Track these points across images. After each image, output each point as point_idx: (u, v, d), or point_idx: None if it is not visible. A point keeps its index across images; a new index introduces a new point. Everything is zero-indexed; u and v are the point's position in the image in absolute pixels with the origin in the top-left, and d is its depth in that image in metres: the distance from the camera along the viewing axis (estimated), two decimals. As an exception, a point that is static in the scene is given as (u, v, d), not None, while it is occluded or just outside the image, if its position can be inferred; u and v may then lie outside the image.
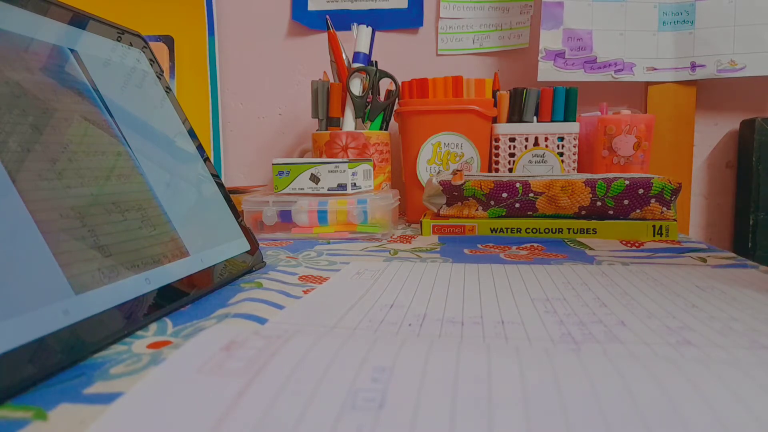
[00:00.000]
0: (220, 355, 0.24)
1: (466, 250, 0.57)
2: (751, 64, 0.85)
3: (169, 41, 0.98)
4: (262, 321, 0.33)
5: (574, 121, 0.79)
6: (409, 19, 0.98)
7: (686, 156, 0.92)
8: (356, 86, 0.80)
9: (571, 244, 0.59)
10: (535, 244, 0.59)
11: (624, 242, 0.60)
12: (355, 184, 0.69)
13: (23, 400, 0.23)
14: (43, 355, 0.25)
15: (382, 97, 0.84)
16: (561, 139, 0.79)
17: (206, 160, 0.48)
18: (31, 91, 0.32)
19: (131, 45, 0.45)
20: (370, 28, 0.83)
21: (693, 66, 0.87)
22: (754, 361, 0.24)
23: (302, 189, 0.68)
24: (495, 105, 0.81)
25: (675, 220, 0.62)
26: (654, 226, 0.62)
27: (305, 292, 0.39)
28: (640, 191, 0.61)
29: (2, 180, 0.27)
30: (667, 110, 0.91)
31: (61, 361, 0.26)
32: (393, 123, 0.84)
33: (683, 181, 0.90)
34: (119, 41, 0.43)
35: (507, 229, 0.65)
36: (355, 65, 0.81)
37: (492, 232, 0.65)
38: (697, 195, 0.97)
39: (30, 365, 0.24)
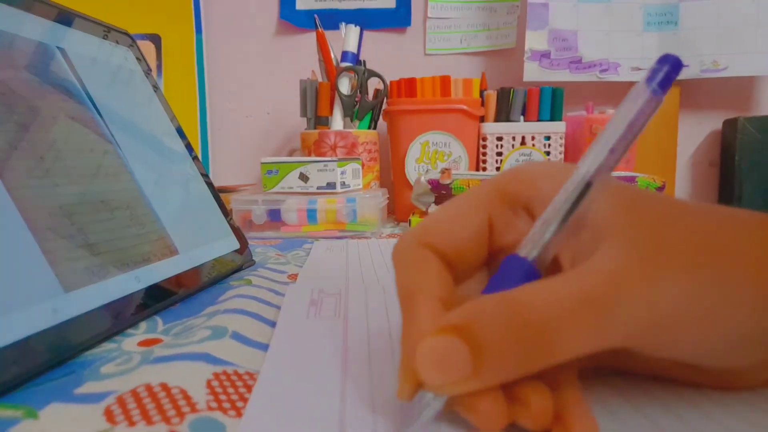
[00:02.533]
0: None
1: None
2: (733, 64, 0.86)
3: (156, 40, 0.97)
4: (253, 316, 0.33)
5: (561, 120, 0.80)
6: (397, 19, 0.98)
7: (670, 155, 0.93)
8: (345, 85, 0.80)
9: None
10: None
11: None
12: (344, 182, 0.69)
13: (13, 399, 0.23)
14: (33, 354, 0.25)
15: (370, 96, 0.84)
16: (547, 138, 0.80)
17: (195, 158, 0.48)
18: (17, 88, 0.31)
19: (118, 43, 0.45)
20: (358, 28, 0.83)
21: (677, 66, 0.88)
22: None
23: (291, 188, 0.68)
24: (482, 104, 0.81)
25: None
26: (640, 224, 0.62)
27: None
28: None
29: (-9, 177, 0.27)
30: (651, 110, 0.92)
31: (51, 359, 0.26)
32: (381, 122, 0.84)
33: (667, 180, 0.90)
34: (106, 39, 0.43)
35: (495, 227, 0.65)
36: (344, 64, 0.81)
37: (480, 230, 0.65)
38: (681, 193, 0.98)
39: (19, 363, 0.24)
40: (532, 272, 0.20)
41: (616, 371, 0.23)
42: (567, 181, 0.21)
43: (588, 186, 0.20)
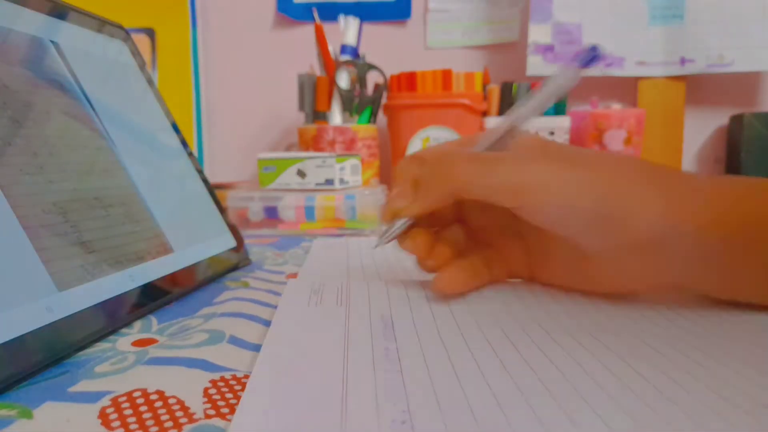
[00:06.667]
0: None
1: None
2: (739, 59, 0.85)
3: (150, 34, 0.96)
4: (251, 318, 0.32)
5: (565, 115, 0.79)
6: (397, 11, 0.97)
7: (676, 151, 0.92)
8: (343, 79, 0.79)
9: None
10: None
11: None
12: (342, 179, 0.68)
13: (7, 398, 0.22)
14: (27, 353, 0.24)
15: (369, 90, 0.83)
16: (552, 133, 0.79)
17: (190, 154, 0.48)
18: (11, 83, 0.31)
19: (112, 36, 0.44)
20: (357, 20, 0.82)
21: (682, 61, 0.88)
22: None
23: (288, 184, 0.67)
24: (484, 99, 0.80)
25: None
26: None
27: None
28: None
29: (-21, 173, 0.26)
30: (656, 105, 0.91)
31: (45, 358, 0.25)
32: (381, 117, 0.84)
33: (670, 176, 0.90)
34: (100, 33, 0.42)
35: (496, 223, 0.64)
36: (342, 58, 0.80)
37: (481, 226, 0.65)
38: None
39: (13, 363, 0.23)
40: None
41: (542, 283, 0.34)
42: (499, 124, 0.31)
43: (514, 128, 0.30)
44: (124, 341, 0.29)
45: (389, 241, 0.32)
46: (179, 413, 0.21)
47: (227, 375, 0.25)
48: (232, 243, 0.47)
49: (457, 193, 0.29)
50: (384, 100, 0.82)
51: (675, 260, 0.28)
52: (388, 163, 0.87)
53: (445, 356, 0.24)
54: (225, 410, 0.21)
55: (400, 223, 0.31)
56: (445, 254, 0.31)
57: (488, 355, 0.24)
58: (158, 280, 0.35)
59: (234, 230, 0.48)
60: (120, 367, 0.25)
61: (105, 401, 0.22)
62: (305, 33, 0.98)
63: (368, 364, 0.23)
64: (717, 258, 0.27)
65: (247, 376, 0.25)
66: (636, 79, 0.91)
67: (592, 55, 0.29)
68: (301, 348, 0.24)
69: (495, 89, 0.81)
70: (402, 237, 0.32)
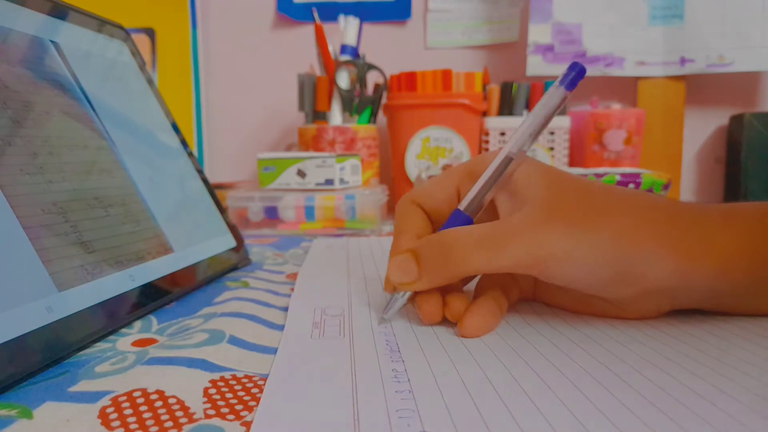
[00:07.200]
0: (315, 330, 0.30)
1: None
2: (739, 59, 0.85)
3: (150, 34, 0.96)
4: (251, 318, 0.32)
5: (565, 115, 0.79)
6: (397, 11, 0.97)
7: (676, 151, 0.92)
8: (343, 79, 0.79)
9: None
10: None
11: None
12: (342, 179, 0.68)
13: (7, 398, 0.23)
14: (27, 353, 0.24)
15: (370, 90, 0.83)
16: (552, 133, 0.79)
17: (190, 154, 0.48)
18: (11, 83, 0.31)
19: (113, 36, 0.44)
20: (357, 20, 0.82)
21: (682, 61, 0.87)
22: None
23: (288, 184, 0.67)
24: (485, 99, 0.80)
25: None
26: (643, 221, 0.61)
27: (292, 290, 0.39)
28: (631, 186, 0.61)
29: (-21, 173, 0.26)
30: (656, 105, 0.91)
31: (45, 358, 0.25)
32: (381, 117, 0.84)
33: (673, 176, 0.90)
34: (100, 33, 0.42)
35: (496, 223, 0.64)
36: (343, 58, 0.80)
37: (481, 226, 0.64)
38: (687, 190, 0.97)
39: (13, 363, 0.23)
40: (465, 219, 0.30)
41: (547, 305, 0.34)
42: (496, 157, 0.29)
43: (509, 160, 0.29)
44: (124, 341, 0.29)
45: (393, 315, 0.31)
46: (179, 413, 0.21)
47: (227, 375, 0.25)
48: (232, 243, 0.47)
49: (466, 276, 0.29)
50: (384, 100, 0.82)
51: (688, 300, 0.30)
52: (388, 163, 0.87)
53: (457, 377, 0.23)
54: (225, 410, 0.21)
55: (402, 294, 0.30)
56: (460, 307, 0.29)
57: (498, 369, 0.24)
58: (158, 280, 0.35)
59: (234, 230, 0.48)
60: (120, 367, 0.25)
61: (105, 401, 0.22)
62: (305, 33, 0.98)
63: (378, 385, 0.23)
64: (730, 296, 0.29)
65: (248, 376, 0.25)
66: (636, 79, 0.91)
67: (576, 73, 0.28)
68: (308, 376, 0.24)
69: (495, 89, 0.81)
70: (410, 301, 0.31)
